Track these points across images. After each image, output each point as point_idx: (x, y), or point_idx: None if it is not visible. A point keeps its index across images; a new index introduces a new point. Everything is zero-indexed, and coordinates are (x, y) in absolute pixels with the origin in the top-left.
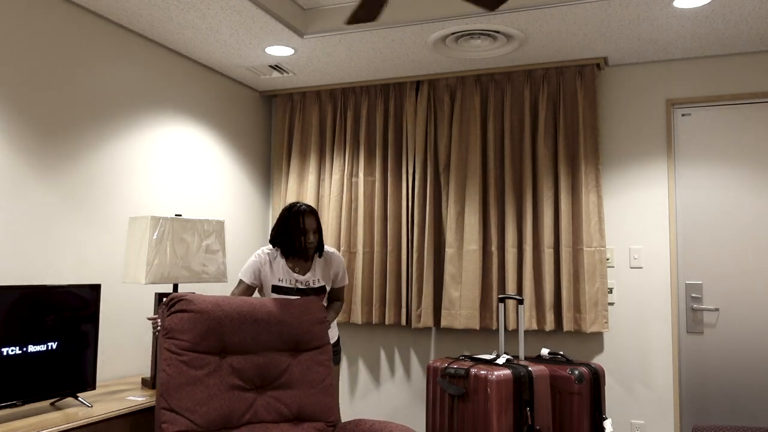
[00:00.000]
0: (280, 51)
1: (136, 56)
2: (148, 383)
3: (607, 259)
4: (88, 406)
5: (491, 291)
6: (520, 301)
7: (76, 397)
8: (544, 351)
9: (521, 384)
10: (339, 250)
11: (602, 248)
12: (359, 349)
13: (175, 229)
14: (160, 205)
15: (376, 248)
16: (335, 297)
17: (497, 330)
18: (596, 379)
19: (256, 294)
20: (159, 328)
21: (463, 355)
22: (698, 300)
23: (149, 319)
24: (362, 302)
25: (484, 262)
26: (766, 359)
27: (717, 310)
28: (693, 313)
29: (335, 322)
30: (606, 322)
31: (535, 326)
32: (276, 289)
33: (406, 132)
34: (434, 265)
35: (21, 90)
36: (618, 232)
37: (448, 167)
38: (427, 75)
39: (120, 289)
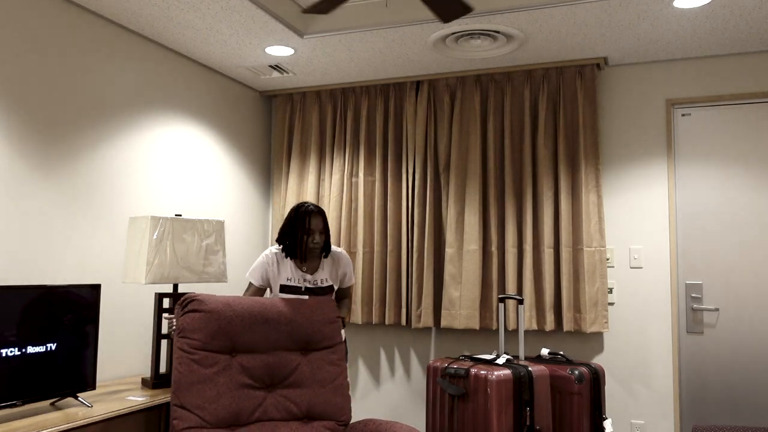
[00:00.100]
0: (280, 51)
1: (136, 56)
2: (148, 383)
3: (607, 259)
4: (88, 406)
5: (491, 291)
6: (520, 301)
7: (76, 397)
8: (544, 351)
9: (521, 384)
10: None
11: (602, 248)
12: (359, 349)
13: (175, 229)
14: (160, 205)
15: (376, 248)
16: (342, 296)
17: (497, 330)
18: (596, 379)
19: (267, 293)
20: (174, 327)
21: (463, 355)
22: (698, 300)
23: (166, 317)
24: (362, 302)
25: (484, 262)
26: (766, 359)
27: (717, 310)
28: (693, 313)
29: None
30: (606, 322)
31: (535, 326)
32: (284, 288)
33: (406, 132)
34: (434, 265)
35: (21, 90)
36: (618, 232)
37: (448, 167)
38: (427, 75)
39: (120, 289)
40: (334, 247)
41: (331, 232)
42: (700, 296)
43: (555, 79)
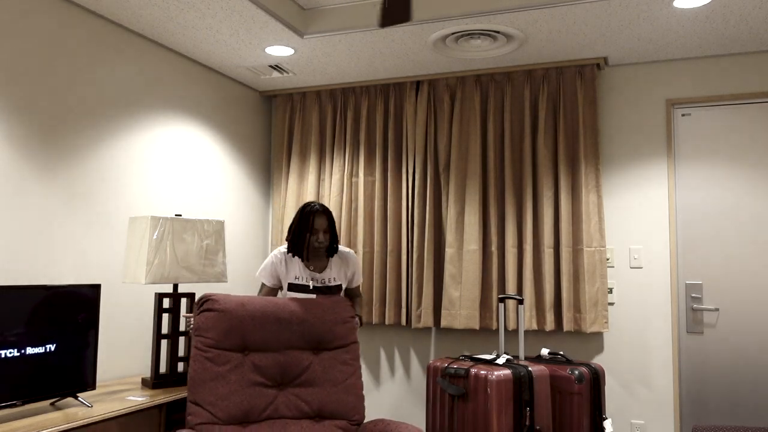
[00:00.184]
0: (280, 51)
1: (136, 56)
2: (148, 383)
3: (607, 259)
4: (88, 406)
5: (491, 291)
6: (520, 301)
7: (76, 397)
8: (544, 351)
9: (521, 384)
10: None
11: (602, 248)
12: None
13: (175, 229)
14: (160, 205)
15: (376, 248)
16: (354, 295)
17: (497, 330)
18: (596, 379)
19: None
20: (192, 325)
21: (463, 355)
22: (698, 300)
23: (185, 316)
24: (362, 302)
25: (484, 262)
26: (766, 359)
27: (717, 310)
28: (693, 313)
29: None
30: (606, 322)
31: (535, 326)
32: (292, 287)
33: (406, 132)
34: (434, 265)
35: (21, 90)
36: (618, 232)
37: (448, 167)
38: (427, 75)
39: (120, 289)
40: (342, 247)
41: None
42: (700, 296)
43: (555, 79)
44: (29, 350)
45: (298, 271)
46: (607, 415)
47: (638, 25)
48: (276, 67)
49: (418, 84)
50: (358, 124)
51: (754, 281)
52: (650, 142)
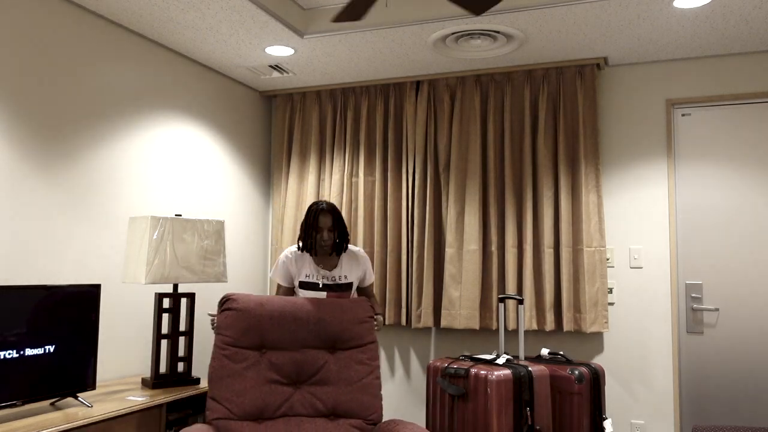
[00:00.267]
0: (280, 51)
1: (136, 56)
2: (148, 383)
3: (607, 259)
4: (88, 406)
5: (491, 291)
6: (520, 301)
7: (76, 397)
8: (544, 351)
9: (521, 384)
10: None
11: (602, 248)
12: None
13: (175, 229)
14: (160, 205)
15: (376, 248)
16: (367, 294)
17: (497, 330)
18: (596, 379)
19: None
20: (214, 323)
21: (463, 355)
22: (698, 300)
23: (209, 314)
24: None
25: (484, 262)
26: (766, 359)
27: (717, 310)
28: (693, 313)
29: None
30: (606, 322)
31: (535, 326)
32: (303, 285)
33: (406, 132)
34: (434, 265)
35: (21, 90)
36: (618, 232)
37: (448, 167)
38: (427, 75)
39: (120, 289)
40: (352, 246)
41: None
42: (700, 296)
43: (555, 79)
44: (29, 350)
45: (308, 270)
46: (607, 415)
47: (638, 25)
48: (276, 67)
49: (418, 84)
50: (358, 124)
51: (754, 281)
52: (650, 142)
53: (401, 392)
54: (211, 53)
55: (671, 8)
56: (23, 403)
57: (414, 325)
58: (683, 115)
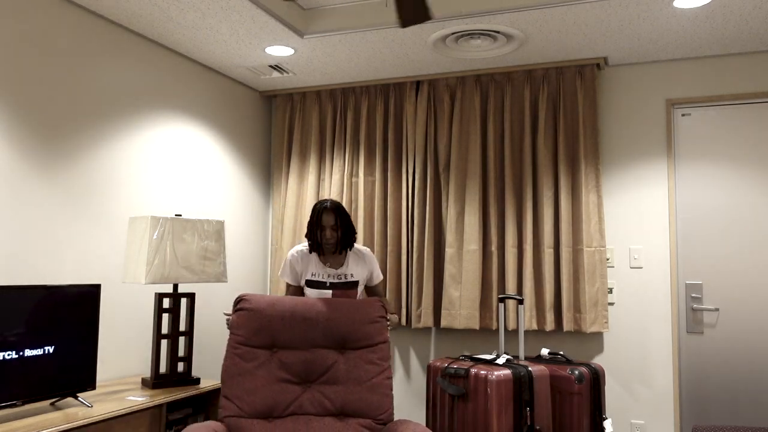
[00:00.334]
0: (280, 51)
1: (136, 56)
2: (148, 383)
3: (607, 259)
4: (88, 406)
5: (491, 291)
6: (520, 301)
7: (76, 397)
8: (544, 351)
9: (521, 384)
10: None
11: (602, 248)
12: None
13: (175, 229)
14: (160, 205)
15: (376, 248)
16: (376, 293)
17: (497, 330)
18: (596, 379)
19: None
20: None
21: (463, 355)
22: (698, 300)
23: (225, 314)
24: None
25: (484, 262)
26: (766, 359)
27: (717, 310)
28: (693, 313)
29: None
30: (606, 322)
31: (535, 326)
32: (309, 283)
33: (406, 132)
34: (434, 265)
35: (21, 90)
36: (618, 232)
37: (448, 167)
38: (427, 75)
39: (120, 289)
40: (358, 246)
41: None
42: (700, 296)
43: (555, 79)
44: (29, 350)
45: (314, 268)
46: (607, 415)
47: (638, 25)
48: (276, 67)
49: (418, 84)
50: (358, 124)
51: (754, 281)
52: (650, 142)
53: (401, 392)
54: (211, 53)
55: (671, 8)
56: (23, 403)
57: (414, 325)
58: (683, 115)
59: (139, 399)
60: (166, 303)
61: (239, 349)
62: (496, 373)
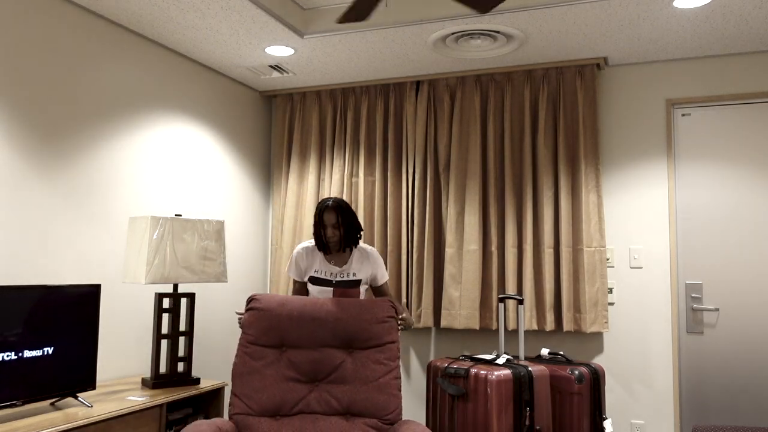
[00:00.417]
0: (280, 51)
1: (136, 56)
2: (148, 383)
3: (607, 259)
4: (88, 406)
5: (491, 291)
6: (520, 301)
7: (76, 397)
8: (544, 351)
9: (521, 384)
10: None
11: (602, 248)
12: None
13: (175, 229)
14: (160, 205)
15: (376, 248)
16: (382, 294)
17: (497, 330)
18: (596, 379)
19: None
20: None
21: (463, 355)
22: (698, 300)
23: (237, 313)
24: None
25: (484, 262)
26: (766, 359)
27: (717, 310)
28: (693, 313)
29: None
30: (606, 322)
31: (535, 326)
32: (312, 279)
33: (406, 132)
34: (434, 265)
35: (21, 90)
36: (618, 232)
37: (448, 167)
38: (427, 75)
39: (120, 289)
40: (364, 245)
41: None
42: (700, 296)
43: (555, 79)
44: (29, 350)
45: (318, 265)
46: (607, 415)
47: (638, 25)
48: (276, 67)
49: (418, 84)
50: (358, 124)
51: (754, 281)
52: (650, 142)
53: (401, 392)
54: (211, 53)
55: (671, 8)
56: (23, 403)
57: (414, 324)
58: (683, 115)
59: (139, 399)
60: (166, 303)
61: (249, 348)
62: (496, 373)
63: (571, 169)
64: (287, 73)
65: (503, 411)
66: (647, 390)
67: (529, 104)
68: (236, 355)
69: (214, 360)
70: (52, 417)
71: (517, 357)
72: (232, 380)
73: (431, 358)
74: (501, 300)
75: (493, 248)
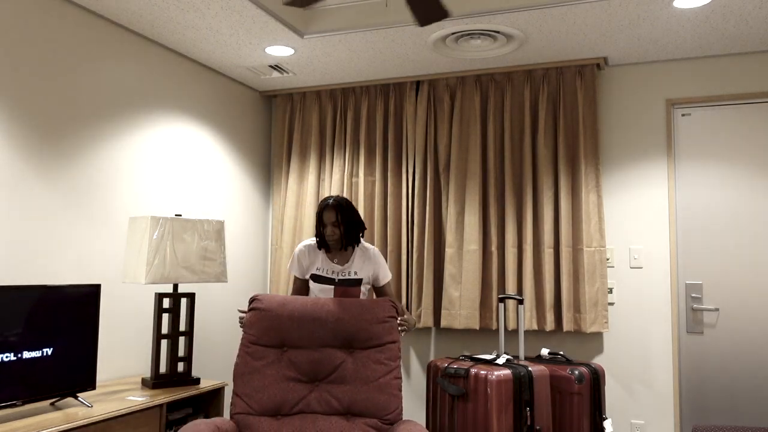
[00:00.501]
0: (280, 51)
1: (136, 56)
2: (148, 383)
3: (607, 259)
4: (88, 406)
5: (491, 291)
6: (520, 301)
7: (76, 397)
8: (544, 351)
9: (521, 384)
10: None
11: (602, 248)
12: None
13: (175, 229)
14: (160, 205)
15: (377, 248)
16: (384, 295)
17: (497, 330)
18: (596, 379)
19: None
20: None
21: (463, 355)
22: (698, 300)
23: (239, 311)
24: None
25: (484, 262)
26: (766, 359)
27: (717, 310)
28: (693, 313)
29: None
30: (606, 322)
31: (535, 326)
32: (315, 277)
33: (406, 132)
34: (434, 265)
35: (21, 90)
36: (618, 232)
37: (448, 167)
38: (427, 75)
39: (120, 289)
40: (366, 244)
41: None
42: (700, 296)
43: (555, 79)
44: (29, 350)
45: (320, 263)
46: (607, 415)
47: (638, 25)
48: (276, 67)
49: (418, 84)
50: (358, 124)
51: (754, 281)
52: (650, 142)
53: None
54: (211, 53)
55: (671, 8)
56: (23, 403)
57: (416, 325)
58: (683, 115)
59: (139, 399)
60: (166, 303)
61: (250, 347)
62: (496, 373)
63: (571, 169)
64: (287, 73)
65: (503, 411)
66: (647, 390)
67: (529, 104)
68: (238, 355)
69: (214, 360)
70: (52, 417)
71: (517, 357)
72: (234, 380)
73: (431, 358)
74: (501, 300)
75: (493, 248)
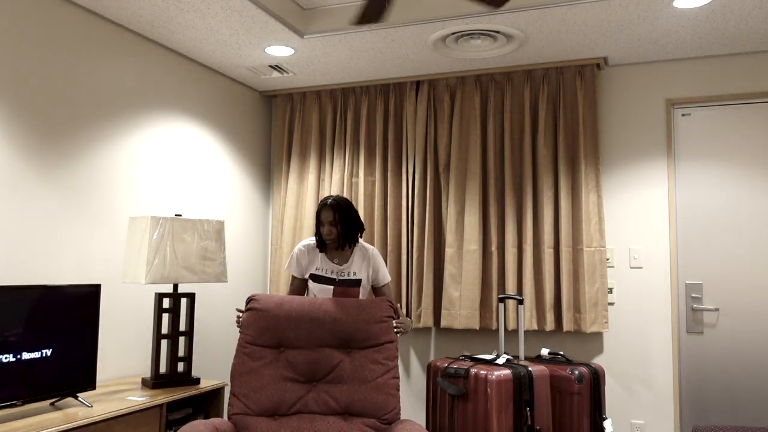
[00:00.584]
0: (280, 51)
1: (136, 56)
2: (148, 383)
3: (607, 259)
4: (88, 406)
5: (491, 291)
6: (520, 301)
7: (76, 397)
8: (544, 351)
9: (521, 384)
10: None
11: (602, 248)
12: None
13: (175, 229)
14: (160, 205)
15: (376, 248)
16: (383, 296)
17: (497, 330)
18: (596, 379)
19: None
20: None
21: (463, 355)
22: (698, 300)
23: (237, 310)
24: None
25: (484, 262)
26: (766, 359)
27: (717, 310)
28: (693, 313)
29: None
30: (606, 322)
31: (535, 326)
32: (313, 277)
33: (406, 132)
34: (434, 265)
35: (21, 90)
36: (618, 232)
37: (448, 167)
38: (427, 75)
39: (120, 289)
40: (365, 245)
41: None
42: (700, 296)
43: (555, 79)
44: (29, 350)
45: (320, 263)
46: (607, 415)
47: (638, 25)
48: (276, 67)
49: (418, 84)
50: (358, 124)
51: (754, 281)
52: (650, 142)
53: (401, 392)
54: (211, 53)
55: (671, 8)
56: (23, 403)
57: (414, 324)
58: (683, 115)
59: (139, 399)
60: (166, 303)
61: (247, 348)
62: (496, 373)
63: (571, 169)
64: (287, 73)
65: (503, 411)
66: (647, 390)
67: (529, 104)
68: (235, 356)
69: (214, 360)
70: (52, 417)
71: (517, 357)
72: (231, 380)
73: (431, 358)
74: (501, 300)
75: (493, 248)
